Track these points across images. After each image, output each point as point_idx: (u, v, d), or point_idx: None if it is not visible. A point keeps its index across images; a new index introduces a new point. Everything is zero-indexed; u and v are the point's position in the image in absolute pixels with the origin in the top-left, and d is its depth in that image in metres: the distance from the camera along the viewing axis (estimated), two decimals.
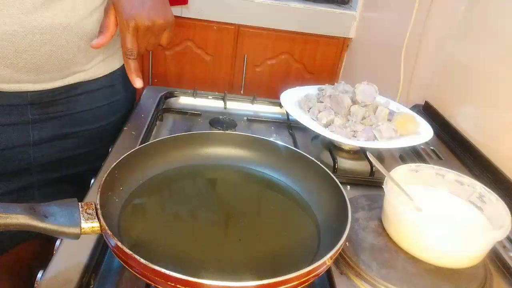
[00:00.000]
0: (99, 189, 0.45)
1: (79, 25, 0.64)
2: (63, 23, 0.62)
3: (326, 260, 0.40)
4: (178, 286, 0.37)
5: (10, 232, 0.70)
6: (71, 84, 0.70)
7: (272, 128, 0.86)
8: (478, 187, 0.57)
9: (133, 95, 0.86)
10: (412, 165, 0.60)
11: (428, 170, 0.61)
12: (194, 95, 0.91)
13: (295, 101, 0.82)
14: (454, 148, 0.83)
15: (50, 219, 0.40)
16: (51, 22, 0.60)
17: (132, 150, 0.54)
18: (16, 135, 0.67)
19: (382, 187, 0.55)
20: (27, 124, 0.67)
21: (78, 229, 0.41)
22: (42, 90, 0.66)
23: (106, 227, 0.40)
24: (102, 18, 0.62)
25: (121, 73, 0.78)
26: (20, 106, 0.66)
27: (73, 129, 0.73)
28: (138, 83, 0.63)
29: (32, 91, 0.65)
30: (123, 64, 0.78)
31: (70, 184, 0.77)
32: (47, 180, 0.73)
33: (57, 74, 0.66)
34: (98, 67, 0.73)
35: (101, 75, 0.74)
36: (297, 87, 0.87)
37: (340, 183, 0.52)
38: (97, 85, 0.74)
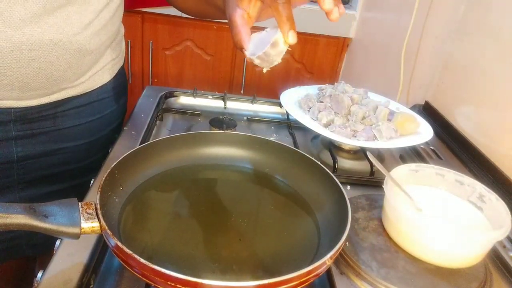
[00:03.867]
0: (99, 189, 0.45)
1: (71, 40, 0.59)
2: (54, 39, 0.57)
3: (326, 260, 0.40)
4: (178, 286, 0.37)
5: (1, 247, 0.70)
6: (59, 100, 0.65)
7: (272, 128, 0.86)
8: (478, 187, 0.57)
9: (124, 108, 0.83)
10: (412, 165, 0.60)
11: (428, 170, 0.61)
12: (194, 95, 0.91)
13: (295, 101, 0.82)
14: (454, 148, 0.83)
15: (50, 219, 0.40)
16: (40, 38, 0.55)
17: (132, 150, 0.53)
18: None
19: (382, 187, 0.55)
20: (11, 140, 0.63)
21: (78, 229, 0.41)
22: (26, 107, 0.62)
23: (106, 227, 0.40)
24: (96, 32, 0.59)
25: (112, 86, 0.75)
26: (3, 122, 0.61)
27: (60, 145, 0.69)
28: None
29: (16, 108, 0.61)
30: (114, 77, 0.75)
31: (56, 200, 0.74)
32: (30, 197, 0.69)
33: (44, 91, 0.61)
34: (88, 82, 0.69)
35: (91, 89, 0.70)
36: (297, 87, 0.87)
37: (340, 183, 0.52)
38: (87, 99, 0.70)
